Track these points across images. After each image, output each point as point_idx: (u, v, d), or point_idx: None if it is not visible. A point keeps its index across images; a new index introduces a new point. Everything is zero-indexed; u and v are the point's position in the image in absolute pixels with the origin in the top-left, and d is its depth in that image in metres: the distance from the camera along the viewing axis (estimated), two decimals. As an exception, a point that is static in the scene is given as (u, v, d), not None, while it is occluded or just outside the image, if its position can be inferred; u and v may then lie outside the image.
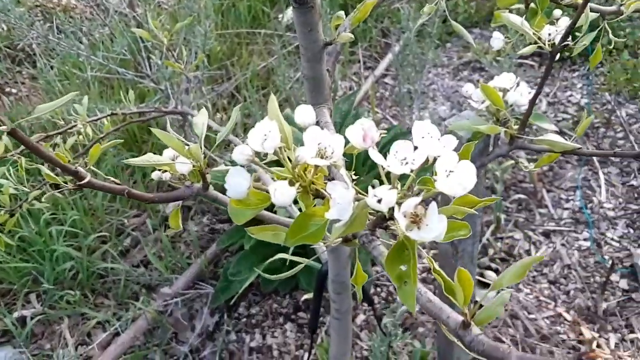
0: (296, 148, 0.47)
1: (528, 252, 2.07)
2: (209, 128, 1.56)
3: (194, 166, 0.80)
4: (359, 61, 3.09)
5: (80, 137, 1.36)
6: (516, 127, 0.87)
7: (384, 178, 0.45)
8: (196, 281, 2.14)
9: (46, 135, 1.50)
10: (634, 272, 1.92)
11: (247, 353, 1.93)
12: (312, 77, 0.77)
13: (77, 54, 2.28)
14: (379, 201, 0.40)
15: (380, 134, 0.44)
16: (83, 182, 0.74)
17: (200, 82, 2.13)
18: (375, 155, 0.42)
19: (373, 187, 0.43)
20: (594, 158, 2.31)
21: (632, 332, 1.79)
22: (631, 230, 2.07)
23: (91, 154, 0.75)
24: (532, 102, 0.86)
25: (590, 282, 1.94)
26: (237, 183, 0.47)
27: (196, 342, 1.97)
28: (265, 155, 0.48)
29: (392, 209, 0.41)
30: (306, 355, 1.88)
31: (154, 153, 0.86)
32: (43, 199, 0.89)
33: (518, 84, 0.89)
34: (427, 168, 0.45)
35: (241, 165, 0.48)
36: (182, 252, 2.24)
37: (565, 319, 1.84)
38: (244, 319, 2.03)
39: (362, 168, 1.98)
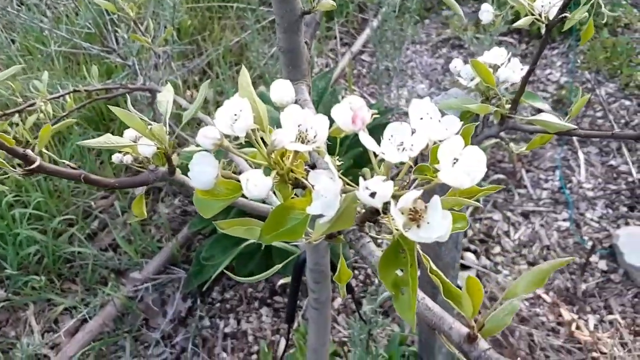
0: (272, 130, 0.40)
1: (507, 233, 2.04)
2: (179, 106, 1.46)
3: (158, 148, 0.73)
4: (336, 37, 3.00)
5: (42, 115, 1.27)
6: (508, 106, 0.81)
7: (375, 166, 0.38)
8: (167, 265, 2.06)
9: (3, 113, 1.40)
10: (613, 253, 1.90)
11: (222, 339, 1.87)
12: (289, 49, 0.69)
13: (39, 28, 2.16)
14: (372, 195, 0.33)
15: (372, 114, 0.38)
16: (32, 166, 0.66)
17: (169, 58, 2.03)
18: (367, 140, 0.35)
19: (364, 177, 0.36)
20: (574, 138, 2.28)
21: (610, 313, 1.77)
22: (610, 211, 2.05)
23: (40, 136, 0.66)
24: (525, 80, 0.80)
25: (570, 264, 1.92)
26: (203, 171, 0.40)
27: (168, 328, 1.91)
28: (237, 138, 0.41)
29: (387, 204, 0.35)
30: (283, 343, 1.83)
31: (122, 133, 0.78)
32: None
33: (509, 60, 0.83)
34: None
35: (207, 151, 0.41)
36: (153, 236, 2.16)
37: (545, 301, 1.82)
38: (218, 304, 1.96)
39: (340, 148, 1.91)
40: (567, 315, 1.78)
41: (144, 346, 1.86)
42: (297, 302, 1.50)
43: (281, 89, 0.41)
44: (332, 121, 0.40)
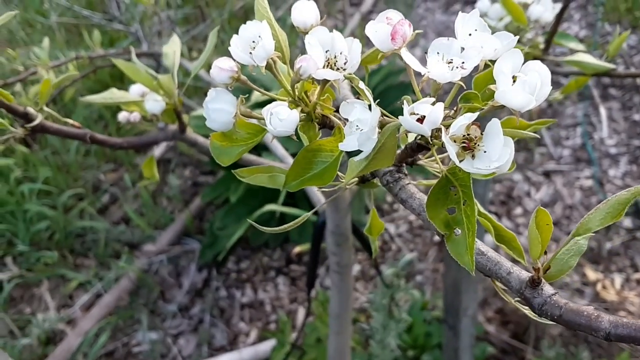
0: (295, 60, 0.35)
1: (528, 194, 1.99)
2: (184, 70, 1.40)
3: (167, 104, 0.68)
4: (343, -1, 2.91)
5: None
6: (541, 47, 0.76)
7: (417, 93, 0.33)
8: (181, 237, 2.03)
9: (4, 82, 1.35)
10: (638, 210, 1.84)
11: (239, 309, 1.84)
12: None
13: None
14: (420, 120, 0.28)
15: (415, 31, 0.32)
16: (33, 123, 0.62)
17: (173, 24, 1.96)
18: (409, 58, 0.30)
19: (407, 104, 0.31)
20: (595, 93, 2.21)
21: (637, 271, 1.72)
22: (634, 167, 1.98)
23: (41, 92, 0.62)
24: (559, 18, 0.74)
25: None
26: (220, 110, 0.35)
27: (184, 299, 1.88)
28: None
29: (436, 132, 0.30)
30: (301, 312, 1.80)
31: (126, 101, 0.73)
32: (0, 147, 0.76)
33: (541, -3, 0.77)
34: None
35: (223, 87, 0.36)
36: (165, 208, 2.12)
37: (568, 261, 1.77)
38: (234, 275, 1.93)
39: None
40: (592, 275, 1.73)
41: (160, 318, 1.84)
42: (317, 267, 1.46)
43: (305, 9, 0.35)
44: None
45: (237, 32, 0.35)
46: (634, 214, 1.85)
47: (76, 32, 2.57)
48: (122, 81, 2.35)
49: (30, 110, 0.61)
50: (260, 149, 1.56)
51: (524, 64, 0.30)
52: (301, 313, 1.79)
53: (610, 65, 0.72)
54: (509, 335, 1.61)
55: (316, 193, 0.84)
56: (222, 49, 2.41)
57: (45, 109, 0.63)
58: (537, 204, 1.94)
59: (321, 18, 0.37)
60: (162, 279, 1.94)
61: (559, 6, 0.76)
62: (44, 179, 2.04)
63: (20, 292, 1.94)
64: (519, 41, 0.82)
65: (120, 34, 2.29)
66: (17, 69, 1.35)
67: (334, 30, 0.34)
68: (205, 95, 0.36)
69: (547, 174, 2.05)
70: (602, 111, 2.18)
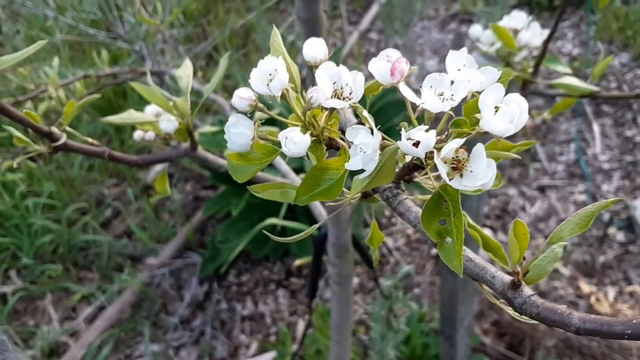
0: (306, 91, 0.40)
1: (523, 208, 2.04)
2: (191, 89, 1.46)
3: (180, 123, 0.73)
4: (342, 16, 2.98)
5: (53, 102, 1.27)
6: (530, 70, 0.81)
7: (413, 120, 0.38)
8: (183, 250, 2.07)
9: (15, 100, 1.40)
10: (631, 224, 1.89)
11: (240, 321, 1.88)
12: (308, 19, 0.69)
13: (44, 17, 2.15)
14: (415, 145, 0.33)
15: (410, 67, 0.37)
16: (58, 143, 0.66)
17: (176, 42, 2.02)
18: (406, 91, 0.35)
19: (405, 130, 0.36)
20: (588, 110, 2.26)
21: (630, 284, 1.77)
22: (627, 182, 2.03)
23: (65, 113, 0.66)
24: (547, 43, 0.79)
25: (587, 236, 1.91)
26: (240, 133, 0.40)
27: (186, 312, 1.92)
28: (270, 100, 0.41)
29: (429, 155, 0.34)
30: (301, 324, 1.84)
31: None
32: (15, 166, 0.80)
33: (529, 24, 0.82)
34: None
35: (242, 113, 0.41)
36: (167, 221, 2.17)
37: (563, 274, 1.82)
38: (235, 287, 1.97)
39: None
40: (586, 288, 1.77)
41: (162, 331, 1.88)
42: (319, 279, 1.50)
43: (315, 47, 0.40)
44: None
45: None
46: (626, 228, 1.90)
47: (80, 49, 2.62)
48: (124, 97, 2.40)
49: (55, 130, 0.66)
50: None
51: (508, 92, 0.35)
52: (301, 325, 1.83)
53: (595, 88, 0.77)
54: (504, 346, 1.65)
55: (318, 207, 0.89)
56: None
57: (68, 128, 0.68)
58: (532, 218, 1.99)
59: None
60: (164, 292, 1.98)
61: (547, 32, 0.81)
62: (49, 193, 2.08)
63: (24, 305, 1.97)
64: (508, 64, 0.87)
65: (123, 52, 2.35)
66: (25, 86, 1.40)
67: (341, 65, 0.39)
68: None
69: (541, 189, 2.10)
70: (595, 127, 2.24)
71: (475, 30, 0.84)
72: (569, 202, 2.02)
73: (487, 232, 1.97)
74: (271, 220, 1.70)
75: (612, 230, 1.91)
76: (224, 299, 1.94)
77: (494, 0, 2.20)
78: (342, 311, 1.03)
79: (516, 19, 0.81)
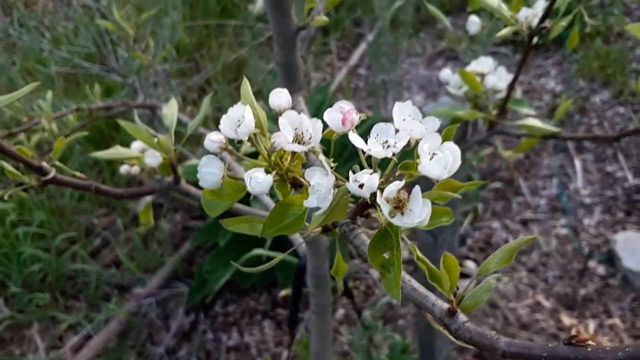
0: (271, 135, 0.44)
1: (506, 241, 2.08)
2: (179, 122, 1.51)
3: (164, 159, 0.77)
4: (331, 52, 3.06)
5: (46, 134, 1.31)
6: (495, 112, 0.86)
7: (364, 163, 0.42)
8: (170, 280, 2.09)
9: (9, 132, 1.44)
10: (611, 258, 1.94)
11: (225, 352, 1.90)
12: (286, 63, 0.74)
13: (39, 49, 2.21)
14: (361, 186, 0.38)
15: (360, 117, 0.42)
16: (47, 177, 0.70)
17: (169, 76, 2.08)
18: (355, 139, 0.40)
19: (354, 172, 0.40)
20: (570, 146, 2.33)
21: (610, 317, 1.80)
22: (607, 217, 2.08)
23: (55, 148, 0.71)
24: (511, 87, 0.85)
25: (569, 269, 1.95)
26: (210, 173, 0.44)
27: (172, 342, 1.93)
28: (239, 142, 0.45)
29: (374, 195, 0.39)
30: (285, 352, 1.86)
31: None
32: (6, 197, 0.84)
33: (496, 69, 0.88)
34: (409, 152, 0.42)
35: (213, 154, 0.45)
36: (155, 251, 2.19)
37: (545, 307, 1.85)
38: (221, 318, 1.99)
39: (338, 160, 1.95)
40: (567, 320, 1.81)
41: (148, 360, 1.89)
42: (299, 309, 1.53)
43: (279, 97, 0.45)
44: (325, 126, 0.44)
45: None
46: (606, 261, 1.94)
47: (74, 80, 2.68)
48: (117, 129, 2.44)
49: (45, 164, 0.70)
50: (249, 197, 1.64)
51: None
52: (285, 356, 1.85)
53: (555, 129, 0.82)
54: (485, 378, 1.67)
55: (298, 239, 0.93)
56: (215, 99, 2.53)
57: (57, 163, 0.72)
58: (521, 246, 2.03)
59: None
60: (150, 321, 1.99)
61: (511, 76, 0.86)
62: (39, 222, 2.11)
63: (10, 334, 1.98)
64: (476, 106, 0.92)
65: (117, 84, 2.40)
66: (18, 118, 1.45)
67: (302, 113, 0.44)
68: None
69: (524, 222, 2.14)
70: (577, 163, 2.30)
71: (445, 74, 0.89)
72: (551, 235, 2.07)
73: (470, 264, 2.01)
74: (257, 251, 1.73)
75: (592, 263, 1.95)
76: (210, 329, 1.96)
77: (478, 38, 2.29)
78: (321, 341, 1.06)
79: (483, 63, 0.86)
